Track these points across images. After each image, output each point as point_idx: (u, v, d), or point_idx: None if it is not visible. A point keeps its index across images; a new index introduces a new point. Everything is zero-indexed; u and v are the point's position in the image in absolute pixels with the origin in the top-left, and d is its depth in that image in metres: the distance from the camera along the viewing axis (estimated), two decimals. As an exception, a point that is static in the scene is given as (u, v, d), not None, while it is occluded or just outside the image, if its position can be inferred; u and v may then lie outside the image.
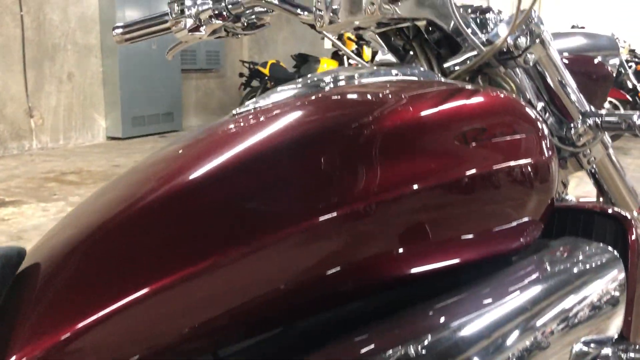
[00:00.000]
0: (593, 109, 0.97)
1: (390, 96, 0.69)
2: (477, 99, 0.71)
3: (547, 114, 0.97)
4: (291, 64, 7.21)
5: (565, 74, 0.95)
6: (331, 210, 0.56)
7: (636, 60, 8.56)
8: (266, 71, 6.72)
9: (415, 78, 0.80)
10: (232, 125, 0.70)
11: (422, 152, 0.63)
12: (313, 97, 0.72)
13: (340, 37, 6.50)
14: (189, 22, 1.06)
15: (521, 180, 0.70)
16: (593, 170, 1.04)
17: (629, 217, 0.83)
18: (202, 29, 1.06)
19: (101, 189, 0.74)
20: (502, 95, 0.75)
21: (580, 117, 0.96)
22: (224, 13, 1.05)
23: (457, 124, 0.66)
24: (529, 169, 0.70)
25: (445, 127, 0.66)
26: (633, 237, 0.82)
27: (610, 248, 0.76)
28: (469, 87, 0.74)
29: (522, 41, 0.88)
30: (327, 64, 6.33)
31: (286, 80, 6.61)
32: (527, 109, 0.75)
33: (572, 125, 0.96)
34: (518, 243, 0.70)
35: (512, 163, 0.68)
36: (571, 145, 0.97)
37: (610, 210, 0.85)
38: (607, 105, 7.05)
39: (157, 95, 7.17)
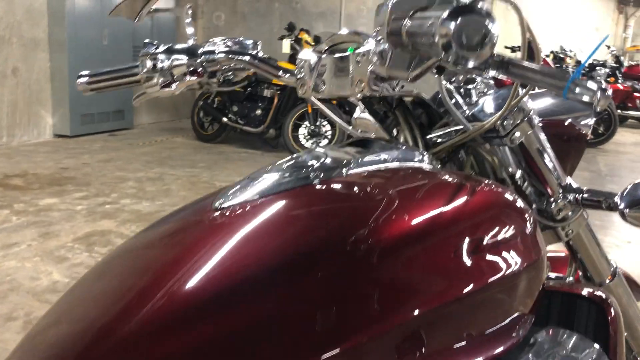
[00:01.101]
0: (574, 184, 0.97)
1: (383, 202, 0.66)
2: (475, 203, 0.70)
3: (527, 184, 0.97)
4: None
5: (547, 148, 0.95)
6: (328, 346, 0.53)
7: (583, 72, 8.86)
8: (222, 72, 6.60)
9: (403, 164, 0.78)
10: (217, 226, 0.66)
11: (421, 271, 0.61)
12: (302, 197, 0.69)
13: (298, 41, 6.45)
14: (161, 77, 1.01)
15: (517, 280, 0.70)
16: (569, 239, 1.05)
17: (604, 296, 0.85)
18: (174, 85, 1.01)
19: (79, 286, 0.70)
20: (499, 193, 0.74)
21: (561, 192, 0.96)
22: (199, 70, 1.00)
23: (457, 234, 0.65)
24: (524, 268, 0.70)
25: (444, 239, 0.64)
26: (611, 316, 0.84)
27: (589, 340, 0.78)
28: (463, 182, 0.73)
29: (510, 122, 0.87)
30: (284, 68, 6.25)
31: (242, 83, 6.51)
32: (522, 208, 0.74)
33: (552, 199, 0.96)
34: (513, 341, 0.70)
35: (508, 270, 0.68)
36: (550, 218, 0.97)
37: (585, 292, 0.86)
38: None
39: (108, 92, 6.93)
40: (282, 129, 6.02)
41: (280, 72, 0.98)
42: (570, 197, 0.96)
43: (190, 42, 1.05)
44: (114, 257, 0.72)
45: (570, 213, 0.97)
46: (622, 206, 0.89)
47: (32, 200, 3.98)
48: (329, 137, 5.97)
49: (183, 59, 1.00)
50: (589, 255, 1.04)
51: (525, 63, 0.54)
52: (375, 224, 0.62)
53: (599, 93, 0.50)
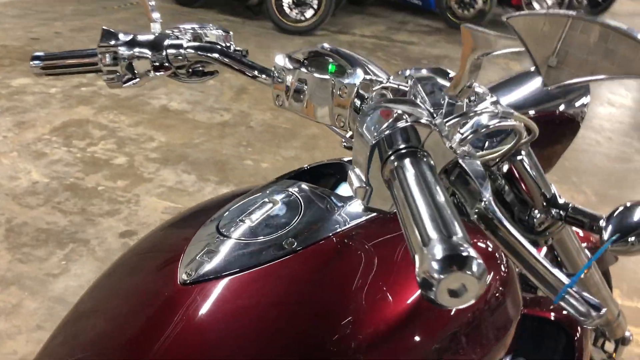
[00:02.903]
0: (560, 198, 0.94)
1: (363, 279, 0.66)
2: None
3: (508, 191, 0.94)
4: None
5: (534, 161, 0.91)
6: None
7: None
8: None
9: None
10: (186, 313, 0.64)
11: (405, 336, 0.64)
12: (285, 273, 0.66)
13: None
14: (123, 72, 0.92)
15: (499, 340, 0.74)
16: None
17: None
18: (137, 80, 0.92)
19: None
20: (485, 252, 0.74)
21: (545, 204, 0.93)
22: (165, 64, 0.91)
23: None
24: (508, 329, 0.74)
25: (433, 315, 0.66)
26: (577, 338, 0.88)
27: None
28: None
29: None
30: None
31: None
32: (505, 265, 0.74)
33: (535, 210, 0.93)
34: None
35: (492, 321, 0.72)
36: (530, 229, 0.95)
37: (553, 316, 0.89)
38: None
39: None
40: (266, -4, 5.69)
41: (256, 72, 0.89)
42: (554, 212, 0.93)
43: (156, 27, 0.94)
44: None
45: (551, 227, 0.95)
46: (606, 236, 0.87)
47: (4, 81, 3.83)
48: (315, 7, 5.66)
49: (147, 53, 0.90)
50: (567, 252, 1.05)
51: (523, 249, 0.49)
52: (357, 314, 0.63)
53: (593, 314, 0.46)
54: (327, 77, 0.76)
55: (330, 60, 0.78)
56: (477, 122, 0.54)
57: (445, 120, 0.53)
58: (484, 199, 0.53)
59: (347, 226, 0.72)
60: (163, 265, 0.73)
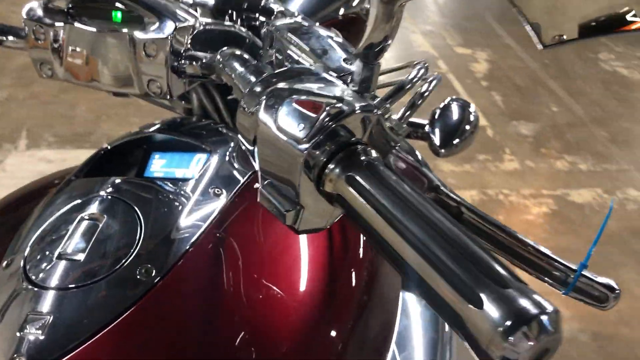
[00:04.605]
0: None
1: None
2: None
3: None
4: None
5: None
6: None
7: None
8: None
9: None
10: None
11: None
12: (144, 320, 0.48)
13: None
14: None
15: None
16: None
17: None
18: None
19: None
20: None
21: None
22: None
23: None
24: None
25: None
26: None
27: None
28: None
29: None
30: None
31: None
32: None
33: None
34: None
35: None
36: None
37: None
38: None
39: None
40: None
41: None
42: None
43: None
44: None
45: None
46: (436, 141, 0.82)
47: None
48: None
49: None
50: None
51: (506, 235, 0.39)
52: (258, 329, 0.52)
53: (611, 296, 0.39)
54: (123, 30, 0.55)
55: (116, 5, 0.57)
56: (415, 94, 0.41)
57: (383, 98, 0.39)
58: (436, 182, 0.42)
59: (205, 227, 0.55)
60: None
